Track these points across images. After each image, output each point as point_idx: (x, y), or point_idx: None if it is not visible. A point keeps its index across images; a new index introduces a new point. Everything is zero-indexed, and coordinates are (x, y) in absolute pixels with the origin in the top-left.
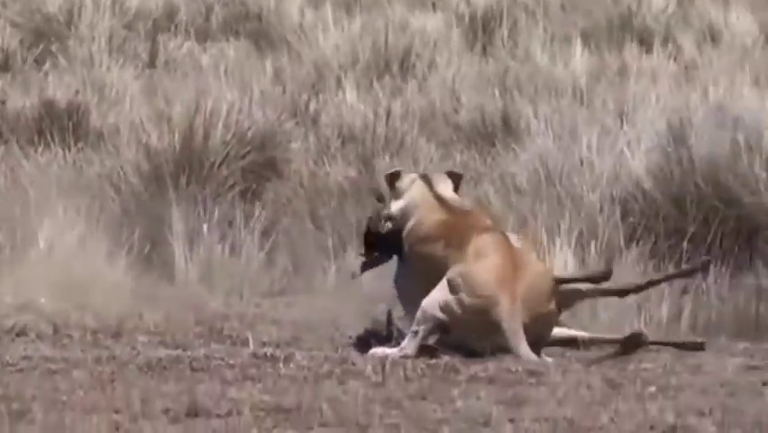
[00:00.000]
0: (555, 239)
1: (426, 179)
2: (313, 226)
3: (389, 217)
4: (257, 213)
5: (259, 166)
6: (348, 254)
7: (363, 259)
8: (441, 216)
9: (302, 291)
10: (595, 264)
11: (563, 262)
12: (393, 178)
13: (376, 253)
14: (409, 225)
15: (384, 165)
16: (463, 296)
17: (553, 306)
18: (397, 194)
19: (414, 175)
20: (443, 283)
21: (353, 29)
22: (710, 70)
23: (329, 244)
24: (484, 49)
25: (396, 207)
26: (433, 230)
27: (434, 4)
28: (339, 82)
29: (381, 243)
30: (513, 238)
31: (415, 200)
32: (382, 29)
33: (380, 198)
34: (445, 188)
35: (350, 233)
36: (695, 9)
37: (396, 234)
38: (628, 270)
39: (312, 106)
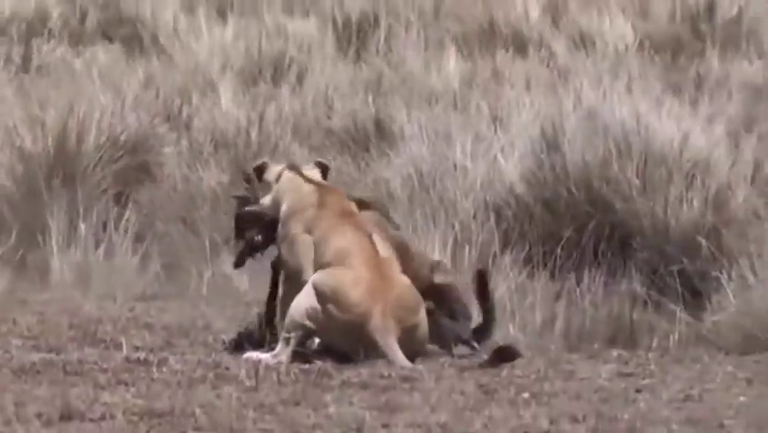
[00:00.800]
0: (429, 245)
1: (294, 167)
2: (186, 231)
3: (261, 211)
4: (130, 217)
5: (132, 170)
6: (222, 259)
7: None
8: (312, 195)
9: (175, 296)
10: (469, 271)
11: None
12: (260, 170)
13: (251, 237)
14: (282, 209)
15: None
16: (333, 309)
17: (422, 315)
18: (265, 186)
19: (280, 166)
20: (309, 288)
21: (227, 34)
22: (583, 77)
23: (202, 249)
24: (358, 54)
25: (266, 199)
26: (303, 207)
27: (307, 10)
28: (212, 87)
29: (253, 226)
30: (378, 239)
31: (284, 188)
32: (256, 34)
33: (248, 179)
34: (314, 174)
35: (223, 237)
36: (568, 15)
37: (271, 224)
38: (503, 275)
39: (185, 111)
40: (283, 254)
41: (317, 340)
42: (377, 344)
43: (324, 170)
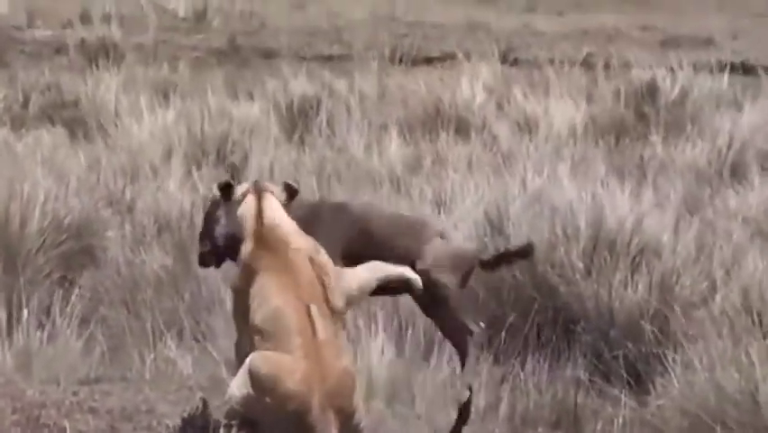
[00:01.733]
0: (373, 328)
1: (258, 190)
2: (130, 314)
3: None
4: (74, 300)
5: (76, 254)
6: (166, 342)
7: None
8: (254, 237)
9: (119, 379)
10: (413, 354)
11: (380, 351)
12: (227, 190)
13: (212, 246)
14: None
15: None
16: (270, 399)
17: (358, 401)
18: (231, 207)
19: (246, 186)
20: (246, 374)
21: (170, 117)
22: (528, 160)
23: (146, 332)
24: (301, 138)
25: (234, 219)
26: (246, 252)
27: (251, 93)
28: (155, 170)
29: (218, 237)
30: (316, 312)
31: (243, 214)
32: (199, 117)
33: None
34: (273, 207)
35: (167, 320)
36: (512, 99)
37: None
38: (447, 358)
39: (128, 194)
40: (233, 310)
41: None
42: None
43: (293, 193)
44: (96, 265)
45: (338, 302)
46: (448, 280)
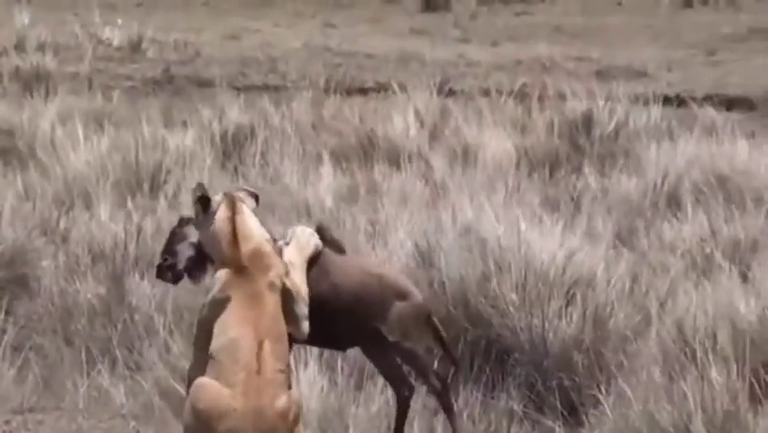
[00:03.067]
0: (303, 357)
1: (230, 200)
2: (63, 344)
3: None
4: (7, 329)
5: (8, 283)
6: (99, 371)
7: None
8: (225, 285)
9: (53, 409)
10: (345, 384)
11: (311, 380)
12: (204, 202)
13: (172, 263)
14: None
15: (134, 283)
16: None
17: None
18: (205, 220)
19: (219, 197)
20: (189, 398)
21: (104, 145)
22: (461, 191)
23: (79, 361)
24: (236, 168)
25: (207, 234)
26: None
27: (184, 122)
28: (89, 199)
29: (181, 255)
30: (269, 350)
31: (216, 237)
32: (133, 146)
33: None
34: (248, 221)
35: (100, 349)
36: (446, 130)
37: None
38: (379, 390)
39: (62, 224)
40: (194, 337)
41: None
42: None
43: (257, 199)
44: (29, 294)
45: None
46: (417, 345)
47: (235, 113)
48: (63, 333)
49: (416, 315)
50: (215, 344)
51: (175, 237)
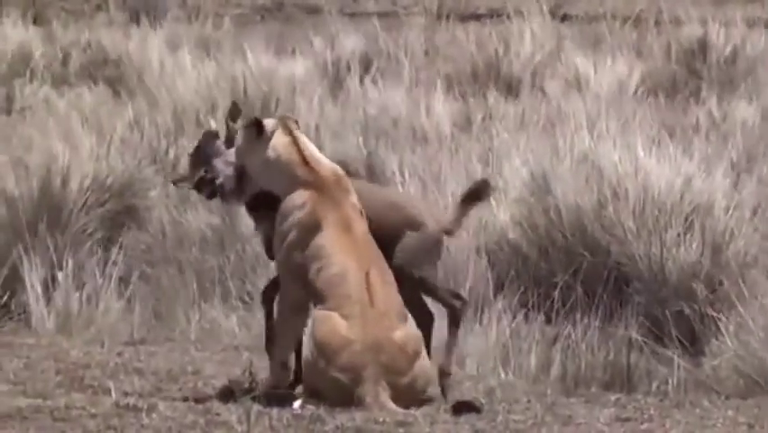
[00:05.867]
0: None
1: (288, 128)
2: (174, 274)
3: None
4: (116, 260)
5: (118, 214)
6: (211, 303)
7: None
8: (310, 188)
9: (164, 340)
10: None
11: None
12: (258, 127)
13: (213, 174)
14: (282, 193)
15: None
16: (323, 363)
17: (416, 371)
18: (261, 146)
19: (273, 122)
20: (309, 329)
21: (213, 74)
22: (577, 118)
23: (190, 292)
24: (347, 96)
25: (255, 158)
26: (300, 204)
27: (294, 50)
28: (198, 129)
29: (219, 170)
30: (376, 275)
31: (280, 157)
32: (242, 75)
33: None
34: (312, 148)
35: (212, 281)
36: (563, 56)
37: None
38: (497, 319)
39: (171, 153)
40: (280, 261)
41: None
42: (368, 405)
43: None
44: (138, 225)
45: None
46: (425, 273)
47: (346, 40)
48: (174, 264)
49: (426, 245)
50: (321, 275)
51: (209, 152)
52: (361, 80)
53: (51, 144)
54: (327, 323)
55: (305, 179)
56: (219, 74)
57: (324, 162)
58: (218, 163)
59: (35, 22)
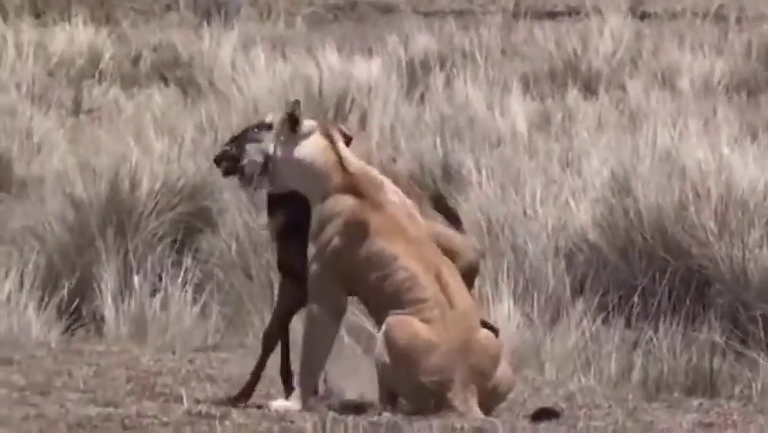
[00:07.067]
0: (497, 292)
1: (327, 132)
2: (247, 279)
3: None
4: (189, 266)
5: (190, 217)
6: None
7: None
8: (357, 210)
9: (236, 347)
10: (540, 318)
11: (506, 316)
12: (292, 121)
13: (237, 153)
14: (314, 196)
15: None
16: (408, 370)
17: (501, 371)
18: (293, 141)
19: (312, 123)
20: (382, 337)
21: (286, 74)
22: (658, 117)
23: (264, 298)
24: (422, 96)
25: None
26: (343, 208)
27: (369, 49)
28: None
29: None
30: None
31: (314, 160)
32: (316, 75)
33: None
34: (350, 154)
35: None
36: (643, 54)
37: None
38: (576, 323)
39: None
40: (320, 268)
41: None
42: (456, 410)
43: (348, 140)
44: (211, 229)
45: None
46: None
47: (421, 39)
48: (247, 268)
49: (465, 273)
50: (388, 283)
51: (247, 135)
52: (437, 80)
53: (121, 147)
54: (408, 328)
55: (342, 185)
56: (292, 74)
57: (362, 166)
58: (251, 148)
59: (105, 22)
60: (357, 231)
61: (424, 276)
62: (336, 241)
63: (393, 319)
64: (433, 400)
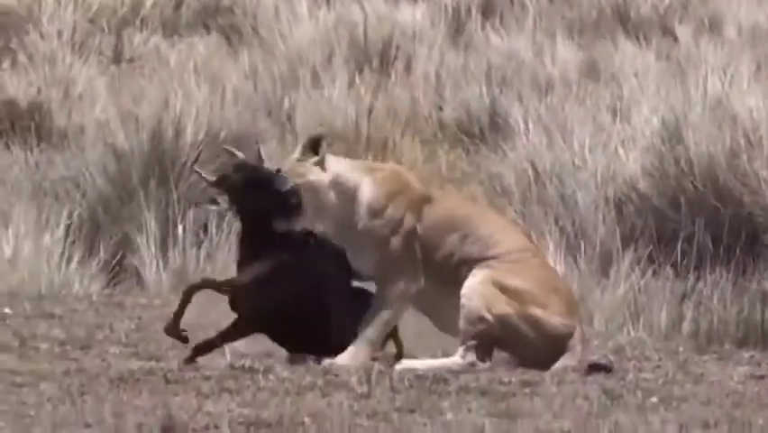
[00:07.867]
0: (545, 242)
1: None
2: None
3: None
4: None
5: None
6: None
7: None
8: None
9: None
10: (588, 269)
11: (554, 266)
12: (314, 142)
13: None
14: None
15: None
16: (538, 332)
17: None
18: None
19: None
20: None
21: (330, 21)
22: (709, 64)
23: None
24: (468, 43)
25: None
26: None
27: None
28: (316, 78)
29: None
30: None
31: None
32: (360, 21)
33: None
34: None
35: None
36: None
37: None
38: (625, 274)
39: (287, 103)
40: (386, 259)
41: None
42: (576, 353)
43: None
44: None
45: None
46: None
47: None
48: None
49: None
50: (468, 242)
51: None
52: (483, 27)
53: (163, 96)
54: (513, 271)
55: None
56: (336, 21)
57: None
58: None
59: None
60: (410, 209)
61: (502, 229)
62: (408, 217)
63: (490, 271)
64: (552, 345)
